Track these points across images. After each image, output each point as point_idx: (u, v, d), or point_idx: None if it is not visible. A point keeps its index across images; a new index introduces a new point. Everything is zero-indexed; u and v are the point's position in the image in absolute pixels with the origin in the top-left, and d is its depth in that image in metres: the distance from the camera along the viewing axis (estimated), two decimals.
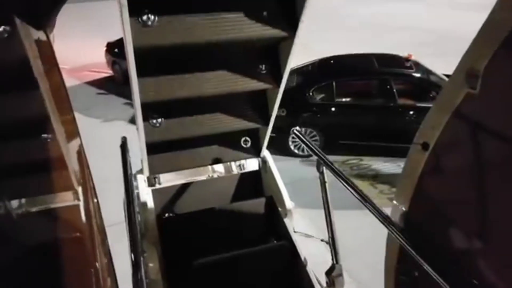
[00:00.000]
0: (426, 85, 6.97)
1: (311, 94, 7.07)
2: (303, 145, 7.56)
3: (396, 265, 1.56)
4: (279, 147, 7.24)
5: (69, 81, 10.79)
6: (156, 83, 2.13)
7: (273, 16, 2.03)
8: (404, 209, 1.60)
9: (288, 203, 2.61)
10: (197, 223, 2.59)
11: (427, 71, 7.29)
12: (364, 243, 4.64)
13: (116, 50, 10.35)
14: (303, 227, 5.19)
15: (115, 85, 10.42)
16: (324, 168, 2.41)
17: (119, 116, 8.80)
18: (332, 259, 2.32)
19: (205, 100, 2.40)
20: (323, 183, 2.44)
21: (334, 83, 7.04)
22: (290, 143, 7.15)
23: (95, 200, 2.06)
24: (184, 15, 1.91)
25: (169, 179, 2.63)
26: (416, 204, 1.56)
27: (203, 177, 2.71)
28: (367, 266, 4.46)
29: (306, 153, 7.20)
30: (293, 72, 7.90)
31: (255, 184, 2.84)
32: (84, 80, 10.97)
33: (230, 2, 1.96)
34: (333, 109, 7.02)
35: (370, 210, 1.81)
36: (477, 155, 1.35)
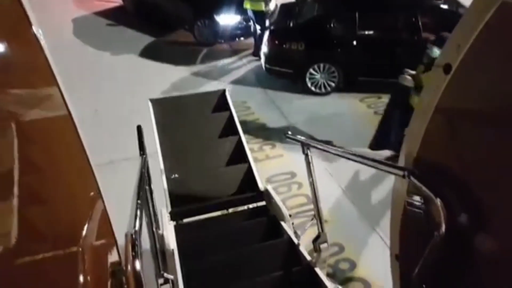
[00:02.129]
0: (454, 19, 6.47)
1: (331, 26, 6.67)
2: (320, 82, 7.27)
3: (404, 201, 1.42)
4: (297, 84, 7.04)
5: (77, 12, 10.41)
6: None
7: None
8: (417, 137, 1.42)
9: (286, 214, 3.15)
10: (210, 232, 3.24)
11: (456, 4, 6.76)
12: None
13: None
14: (317, 163, 5.21)
15: (125, 16, 10.01)
16: (309, 150, 2.82)
17: (129, 49, 8.54)
18: (318, 229, 2.71)
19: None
20: (308, 164, 2.84)
21: (357, 15, 6.59)
22: (307, 80, 6.90)
23: None
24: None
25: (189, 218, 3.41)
26: (431, 134, 1.37)
27: (218, 213, 3.48)
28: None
29: (323, 91, 6.98)
30: (314, 1, 7.42)
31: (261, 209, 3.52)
32: (93, 11, 10.55)
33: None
34: (354, 43, 6.64)
35: (371, 166, 1.87)
36: (510, 78, 1.12)
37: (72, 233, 1.12)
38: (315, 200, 2.79)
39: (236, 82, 7.32)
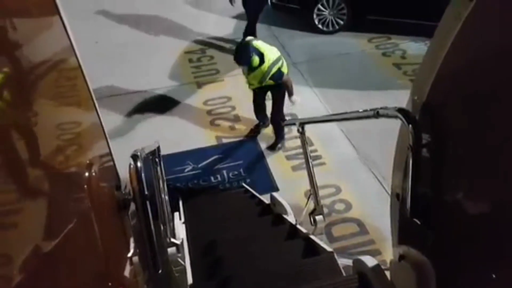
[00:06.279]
0: None
1: None
2: (328, 19, 6.95)
3: (408, 144, 1.35)
4: (304, 21, 6.73)
5: None
6: None
7: None
8: (425, 87, 1.35)
9: (288, 209, 3.45)
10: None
11: None
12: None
13: None
14: (314, 102, 5.12)
15: None
16: (304, 128, 3.00)
17: None
18: (314, 203, 2.95)
19: None
20: (303, 142, 3.05)
21: None
22: (314, 16, 6.58)
23: None
24: None
25: None
26: (440, 83, 1.28)
27: None
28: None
29: (331, 29, 6.68)
30: None
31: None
32: None
33: None
34: None
35: (369, 117, 1.83)
36: None
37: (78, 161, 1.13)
38: (311, 175, 3.01)
39: (240, 16, 6.97)
